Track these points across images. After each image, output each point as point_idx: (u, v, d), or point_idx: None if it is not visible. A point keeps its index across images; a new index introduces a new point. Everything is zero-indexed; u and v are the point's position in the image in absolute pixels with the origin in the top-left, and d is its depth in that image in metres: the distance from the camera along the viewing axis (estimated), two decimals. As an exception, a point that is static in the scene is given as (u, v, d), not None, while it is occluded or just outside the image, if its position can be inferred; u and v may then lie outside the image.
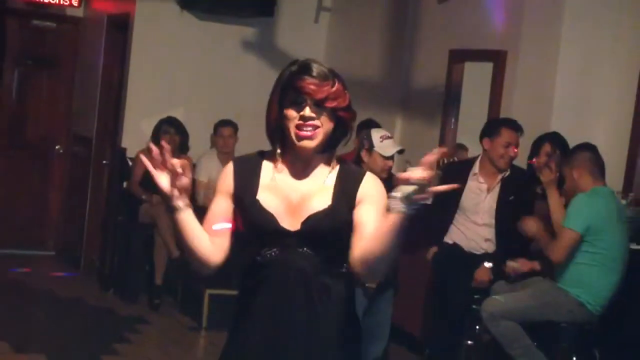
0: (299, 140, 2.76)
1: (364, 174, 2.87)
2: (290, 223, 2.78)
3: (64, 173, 9.34)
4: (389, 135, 5.35)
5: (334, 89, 2.76)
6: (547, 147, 5.58)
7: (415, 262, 5.83)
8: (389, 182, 5.26)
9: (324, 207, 2.78)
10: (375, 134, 5.18)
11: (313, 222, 2.77)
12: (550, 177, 5.27)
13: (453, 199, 5.70)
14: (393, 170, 5.37)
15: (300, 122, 2.74)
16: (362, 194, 2.81)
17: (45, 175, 9.30)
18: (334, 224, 2.78)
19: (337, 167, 2.86)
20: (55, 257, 9.16)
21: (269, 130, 2.85)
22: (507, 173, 5.66)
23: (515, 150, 5.62)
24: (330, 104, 2.75)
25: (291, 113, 2.75)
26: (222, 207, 2.86)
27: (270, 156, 2.88)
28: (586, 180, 5.10)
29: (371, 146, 5.13)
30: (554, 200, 5.27)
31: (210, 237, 2.80)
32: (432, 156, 2.53)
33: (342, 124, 2.81)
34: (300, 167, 2.84)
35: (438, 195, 2.54)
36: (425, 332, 6.26)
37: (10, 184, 8.95)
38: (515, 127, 5.61)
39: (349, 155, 4.96)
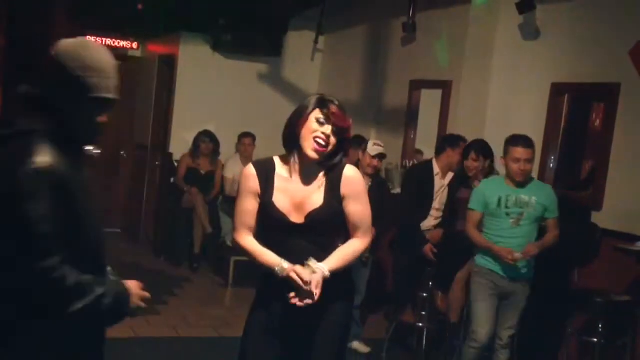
0: (310, 149, 2.66)
1: (344, 167, 2.77)
2: (296, 217, 2.72)
3: (127, 171, 9.28)
4: (380, 143, 5.37)
5: (349, 124, 2.73)
6: (473, 155, 5.23)
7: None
8: (374, 177, 5.28)
9: (320, 204, 2.72)
10: (370, 142, 5.37)
11: (313, 216, 2.72)
12: None
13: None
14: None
15: (321, 136, 2.65)
16: (345, 189, 2.74)
17: (114, 173, 9.22)
18: (328, 216, 2.73)
19: (327, 174, 2.77)
20: (121, 233, 9.08)
21: (289, 129, 2.72)
22: (453, 175, 5.51)
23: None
24: (345, 135, 2.71)
25: (315, 126, 2.66)
26: (253, 204, 2.76)
27: (281, 162, 2.78)
28: None
29: (365, 149, 5.28)
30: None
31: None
32: None
33: (340, 149, 2.74)
34: (302, 172, 2.76)
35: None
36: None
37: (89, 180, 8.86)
38: (453, 145, 5.51)
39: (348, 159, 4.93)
